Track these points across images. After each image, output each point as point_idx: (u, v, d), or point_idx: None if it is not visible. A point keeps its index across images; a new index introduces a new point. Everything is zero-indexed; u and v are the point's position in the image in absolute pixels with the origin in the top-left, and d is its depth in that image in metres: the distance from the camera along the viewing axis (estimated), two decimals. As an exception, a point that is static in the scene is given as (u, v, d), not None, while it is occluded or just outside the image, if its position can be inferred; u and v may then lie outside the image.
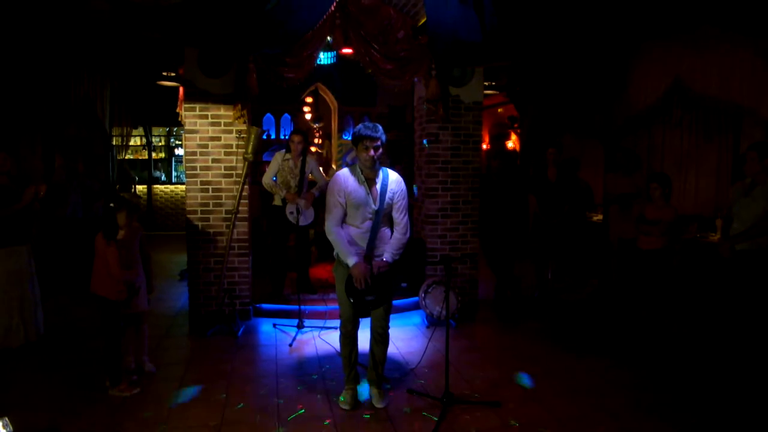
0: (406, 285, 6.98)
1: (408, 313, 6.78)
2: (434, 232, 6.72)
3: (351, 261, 4.07)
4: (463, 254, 6.69)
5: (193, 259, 6.19)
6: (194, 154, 6.13)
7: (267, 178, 6.76)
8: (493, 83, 10.93)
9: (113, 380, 4.55)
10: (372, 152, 4.04)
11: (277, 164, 6.78)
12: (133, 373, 4.91)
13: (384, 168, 4.24)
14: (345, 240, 4.12)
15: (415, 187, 7.12)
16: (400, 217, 4.22)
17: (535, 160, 9.49)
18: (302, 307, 6.36)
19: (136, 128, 13.73)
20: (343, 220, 4.18)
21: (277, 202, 6.82)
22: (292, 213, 6.55)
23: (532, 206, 7.27)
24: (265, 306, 6.60)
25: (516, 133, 12.98)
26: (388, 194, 4.16)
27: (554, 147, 7.33)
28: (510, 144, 13.22)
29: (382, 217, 4.16)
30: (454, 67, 6.59)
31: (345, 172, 4.19)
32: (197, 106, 6.10)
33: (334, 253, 4.27)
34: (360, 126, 4.10)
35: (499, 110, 13.56)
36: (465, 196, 6.76)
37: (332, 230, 4.12)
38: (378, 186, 4.15)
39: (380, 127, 4.10)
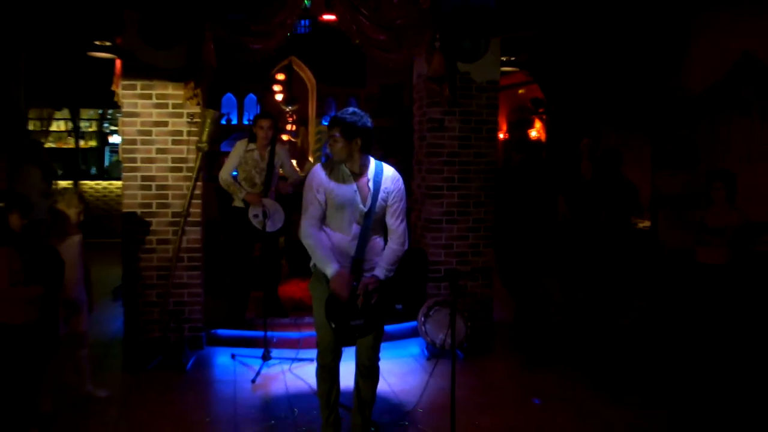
0: (401, 307, 7.02)
1: (404, 341, 6.82)
2: (437, 240, 6.77)
3: (330, 269, 4.09)
4: (474, 268, 6.73)
5: (130, 273, 6.21)
6: (134, 142, 6.17)
7: (225, 174, 6.78)
8: (513, 58, 10.97)
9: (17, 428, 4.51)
10: (332, 143, 4.13)
11: (238, 156, 6.80)
12: (47, 418, 4.86)
13: (378, 161, 4.28)
14: (324, 244, 4.14)
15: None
16: (395, 224, 4.26)
17: (565, 152, 9.57)
18: (269, 333, 6.37)
19: (59, 110, 13.75)
20: (323, 223, 4.22)
21: (238, 203, 6.85)
22: (256, 216, 6.57)
23: (562, 209, 7.33)
24: (221, 332, 6.62)
25: (541, 120, 13.07)
26: (382, 194, 4.19)
27: (589, 137, 7.40)
28: (533, 133, 13.30)
29: (373, 222, 4.20)
30: (463, 37, 6.65)
31: (327, 165, 4.23)
32: (139, 83, 6.14)
33: (311, 265, 4.29)
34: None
35: (520, 91, 13.64)
36: (476, 197, 6.81)
37: (308, 232, 4.15)
38: (369, 183, 4.19)
39: (359, 115, 4.11)
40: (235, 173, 6.86)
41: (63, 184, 13.38)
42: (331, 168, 4.19)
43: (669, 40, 8.02)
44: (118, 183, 13.07)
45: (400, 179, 4.31)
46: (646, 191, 8.43)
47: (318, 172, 4.19)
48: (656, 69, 8.27)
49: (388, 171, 4.27)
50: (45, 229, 5.18)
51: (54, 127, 13.96)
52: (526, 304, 6.93)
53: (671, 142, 7.18)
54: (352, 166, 4.16)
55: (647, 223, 8.64)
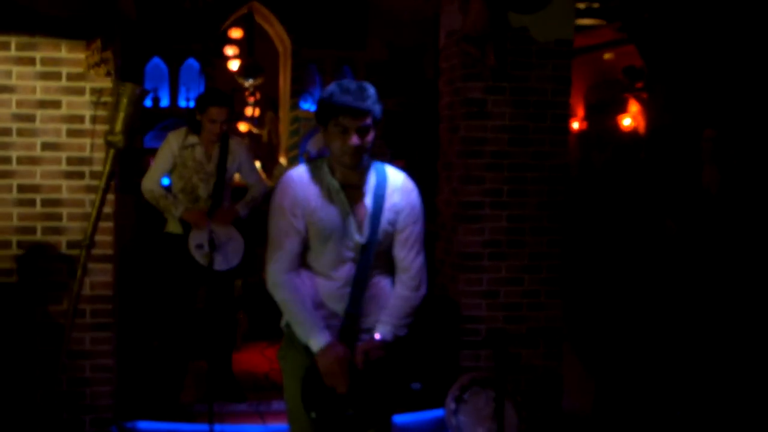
0: (419, 386, 7.03)
1: (423, 440, 6.85)
2: (476, 285, 6.80)
3: (317, 341, 4.08)
4: (532, 329, 6.77)
5: None
6: (7, 132, 6.17)
7: (152, 181, 6.81)
8: (594, 4, 11.06)
9: None
10: (355, 139, 4.06)
11: (171, 155, 6.85)
12: None
13: (379, 164, 4.31)
14: (307, 301, 4.15)
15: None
16: (408, 258, 4.28)
17: (676, 151, 9.57)
18: (217, 427, 6.38)
19: None
20: (301, 263, 4.24)
21: (173, 226, 6.88)
22: (201, 247, 6.60)
23: (671, 239, 7.33)
24: (143, 426, 6.58)
25: (639, 101, 13.09)
26: (387, 213, 4.21)
27: (716, 127, 7.39)
28: (627, 121, 13.32)
29: (375, 257, 4.22)
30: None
31: (302, 171, 4.25)
32: (13, 40, 6.15)
33: (282, 325, 4.33)
34: (333, 87, 4.15)
35: (607, 56, 13.70)
36: (536, 219, 6.85)
37: (280, 280, 4.15)
38: (368, 198, 4.21)
39: (372, 90, 4.14)
40: (165, 182, 6.90)
41: None
42: (312, 174, 4.22)
43: None
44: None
45: (415, 190, 4.32)
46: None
47: (291, 182, 4.19)
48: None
49: (396, 178, 4.29)
50: None
51: None
52: (611, 386, 6.94)
53: None
54: (348, 173, 4.20)
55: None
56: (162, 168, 6.85)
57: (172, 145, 6.85)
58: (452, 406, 6.39)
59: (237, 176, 7.19)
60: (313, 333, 4.07)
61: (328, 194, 4.16)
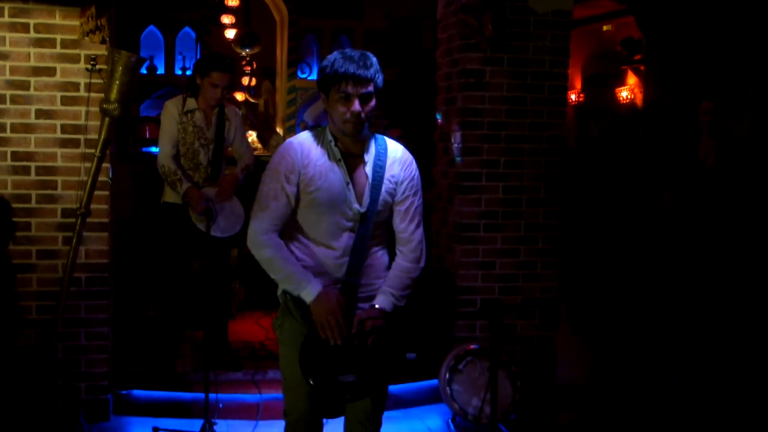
0: (415, 356, 7.03)
1: (418, 408, 6.83)
2: (472, 256, 6.82)
3: (309, 290, 4.08)
4: (527, 299, 6.79)
5: (-6, 302, 6.23)
6: (1, 99, 6.14)
7: (165, 157, 6.71)
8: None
9: None
10: (356, 106, 4.08)
11: (174, 122, 6.78)
12: None
13: (379, 136, 4.31)
14: (291, 256, 4.18)
15: (438, 116, 7.19)
16: (409, 230, 4.28)
17: (674, 123, 9.55)
18: (213, 395, 6.35)
19: None
20: (297, 231, 4.25)
21: (171, 197, 6.84)
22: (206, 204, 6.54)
23: (668, 212, 7.32)
24: (138, 394, 6.63)
25: (637, 73, 13.05)
26: (386, 184, 4.21)
27: (713, 99, 7.36)
28: (624, 93, 13.29)
29: (374, 227, 4.23)
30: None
31: (303, 139, 4.24)
32: (6, 6, 6.10)
33: (279, 293, 4.33)
34: (335, 56, 4.14)
35: (605, 28, 13.66)
36: (533, 191, 6.86)
37: (262, 240, 4.17)
38: (367, 168, 4.21)
39: (374, 59, 4.15)
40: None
41: None
42: (314, 142, 4.21)
43: None
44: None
45: (414, 162, 4.32)
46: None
47: (292, 148, 4.17)
48: None
49: (395, 150, 4.28)
50: None
51: None
52: (606, 357, 6.95)
53: None
54: (349, 142, 4.20)
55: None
56: (170, 138, 6.73)
57: (173, 113, 6.78)
58: (447, 375, 6.40)
59: (229, 149, 7.15)
60: (304, 283, 4.07)
61: (329, 160, 4.16)
